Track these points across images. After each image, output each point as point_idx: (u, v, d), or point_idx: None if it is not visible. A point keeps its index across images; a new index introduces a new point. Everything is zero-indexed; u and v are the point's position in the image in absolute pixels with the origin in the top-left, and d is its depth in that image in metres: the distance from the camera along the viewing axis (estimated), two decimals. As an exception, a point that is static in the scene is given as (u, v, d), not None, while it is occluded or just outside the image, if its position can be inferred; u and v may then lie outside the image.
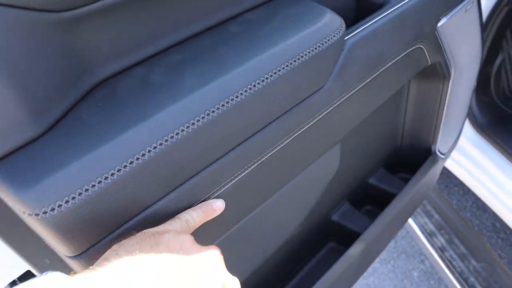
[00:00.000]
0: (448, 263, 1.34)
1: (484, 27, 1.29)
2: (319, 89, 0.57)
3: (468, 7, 0.88)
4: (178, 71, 0.47)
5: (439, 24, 0.80)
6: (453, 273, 1.32)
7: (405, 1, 0.70)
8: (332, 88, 0.59)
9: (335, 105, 0.61)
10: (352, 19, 0.77)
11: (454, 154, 1.49)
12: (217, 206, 0.51)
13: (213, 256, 0.42)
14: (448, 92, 0.97)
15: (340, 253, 0.92)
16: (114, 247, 0.37)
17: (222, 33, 0.53)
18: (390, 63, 0.69)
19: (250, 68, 0.48)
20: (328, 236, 1.02)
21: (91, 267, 0.34)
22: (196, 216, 0.47)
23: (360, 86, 0.65)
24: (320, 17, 0.56)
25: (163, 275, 0.35)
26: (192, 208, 0.49)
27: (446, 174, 2.01)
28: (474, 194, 1.92)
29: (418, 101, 1.00)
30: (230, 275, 0.43)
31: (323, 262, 1.00)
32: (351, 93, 0.64)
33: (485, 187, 1.39)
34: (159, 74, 0.47)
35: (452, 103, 1.05)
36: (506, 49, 1.48)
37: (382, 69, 0.68)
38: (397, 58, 0.70)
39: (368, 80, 0.66)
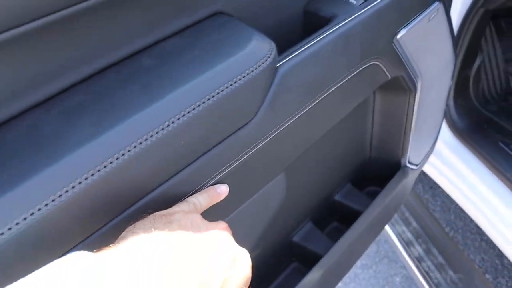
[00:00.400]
0: (425, 274, 1.30)
1: (459, 30, 1.24)
2: (246, 124, 0.52)
3: (432, 16, 0.82)
4: (75, 117, 0.42)
5: (398, 36, 0.75)
6: (430, 285, 1.28)
7: (353, 17, 0.64)
8: (264, 121, 0.53)
9: (271, 136, 0.56)
10: (301, 35, 0.72)
11: (431, 158, 1.44)
12: (222, 190, 0.53)
13: (223, 230, 0.44)
14: (416, 104, 0.92)
15: (304, 274, 0.88)
16: (129, 228, 0.39)
17: (133, 67, 0.48)
18: (337, 86, 0.64)
19: (157, 109, 0.43)
20: (291, 257, 0.97)
21: (110, 245, 0.36)
22: (202, 199, 0.49)
23: (301, 113, 0.59)
24: (245, 44, 0.50)
25: (177, 249, 0.37)
26: (198, 192, 0.51)
27: (431, 175, 1.97)
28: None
29: (384, 114, 0.95)
30: (240, 247, 0.44)
31: (286, 283, 0.96)
32: (289, 122, 0.58)
33: (462, 193, 1.35)
34: (54, 121, 0.42)
35: (423, 114, 1.00)
36: (486, 50, 1.43)
37: (328, 92, 0.63)
38: (345, 80, 0.65)
39: (311, 106, 0.61)
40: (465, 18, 1.20)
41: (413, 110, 0.92)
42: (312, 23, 0.69)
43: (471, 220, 1.92)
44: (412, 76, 0.84)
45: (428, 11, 0.80)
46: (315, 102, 0.61)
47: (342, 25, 0.62)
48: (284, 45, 0.61)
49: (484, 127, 1.37)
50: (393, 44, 0.73)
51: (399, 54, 0.76)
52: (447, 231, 1.87)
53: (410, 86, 0.85)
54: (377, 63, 0.71)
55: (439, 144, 1.42)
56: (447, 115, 1.40)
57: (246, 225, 0.70)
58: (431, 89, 0.98)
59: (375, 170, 1.07)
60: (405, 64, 0.80)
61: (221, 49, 0.50)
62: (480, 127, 1.37)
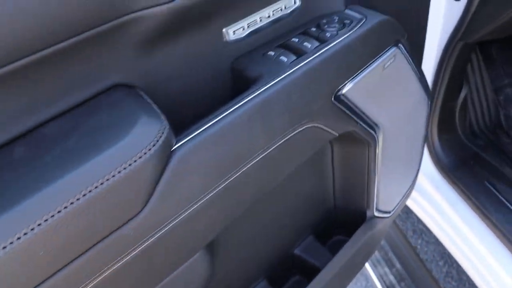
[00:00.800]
0: (406, 322, 1.22)
1: (439, 63, 1.16)
2: (132, 218, 0.46)
3: (388, 63, 0.75)
4: None
5: (343, 91, 0.68)
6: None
7: (279, 78, 0.58)
8: (156, 212, 0.47)
9: (170, 225, 0.50)
10: (230, 95, 0.66)
11: (415, 195, 1.36)
12: None
13: None
14: (379, 155, 0.85)
15: None
16: None
17: (3, 159, 0.43)
18: (261, 157, 0.58)
19: (18, 212, 0.38)
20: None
21: None
22: None
23: (211, 194, 0.53)
24: (130, 128, 0.44)
25: None
26: None
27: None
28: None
29: (344, 165, 0.88)
30: None
31: None
32: (196, 206, 0.52)
33: (446, 233, 1.26)
34: None
35: (392, 161, 0.93)
36: (473, 80, 1.34)
37: (247, 166, 0.56)
38: (269, 150, 0.59)
39: (224, 184, 0.54)
40: (445, 51, 1.12)
41: (375, 162, 0.85)
42: (239, 82, 0.63)
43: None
44: (368, 129, 0.77)
45: (381, 59, 0.73)
46: (230, 179, 0.55)
47: (264, 89, 0.56)
48: (214, 106, 0.55)
49: (471, 163, 1.29)
50: (334, 101, 0.67)
51: (345, 110, 0.69)
52: (441, 265, 1.77)
53: (366, 139, 0.78)
54: (315, 125, 0.65)
55: (423, 181, 1.34)
56: (431, 150, 1.32)
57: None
58: (399, 135, 0.91)
59: (342, 220, 1.00)
60: (356, 118, 0.73)
61: (103, 135, 0.44)
62: (466, 163, 1.29)
